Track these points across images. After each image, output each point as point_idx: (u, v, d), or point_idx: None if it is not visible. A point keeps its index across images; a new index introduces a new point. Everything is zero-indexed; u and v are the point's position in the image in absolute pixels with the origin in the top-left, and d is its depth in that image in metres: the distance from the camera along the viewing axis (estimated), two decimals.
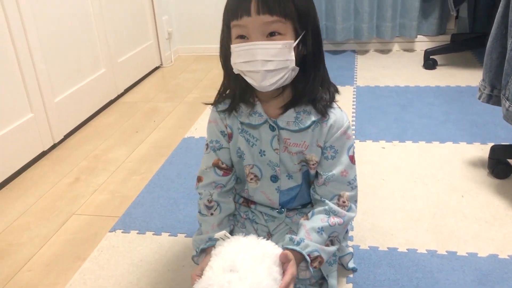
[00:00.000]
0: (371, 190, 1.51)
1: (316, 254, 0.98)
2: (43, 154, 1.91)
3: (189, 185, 1.61)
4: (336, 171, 1.03)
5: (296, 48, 0.95)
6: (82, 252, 1.32)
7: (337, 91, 1.06)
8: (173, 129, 2.11)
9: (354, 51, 3.05)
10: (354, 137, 1.05)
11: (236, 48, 0.95)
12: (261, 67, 0.93)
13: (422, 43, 2.97)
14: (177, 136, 2.03)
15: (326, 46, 3.10)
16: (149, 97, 2.54)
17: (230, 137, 1.09)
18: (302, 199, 1.12)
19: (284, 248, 0.96)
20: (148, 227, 1.40)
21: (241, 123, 1.06)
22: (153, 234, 1.37)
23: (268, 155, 1.06)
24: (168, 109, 2.34)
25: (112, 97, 2.45)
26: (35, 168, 1.83)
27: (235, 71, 0.98)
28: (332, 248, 1.02)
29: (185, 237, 1.34)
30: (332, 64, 2.82)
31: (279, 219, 1.13)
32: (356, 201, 1.07)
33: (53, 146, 1.97)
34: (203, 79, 2.72)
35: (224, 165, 1.09)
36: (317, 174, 1.06)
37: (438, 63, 2.67)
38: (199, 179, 1.12)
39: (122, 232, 1.39)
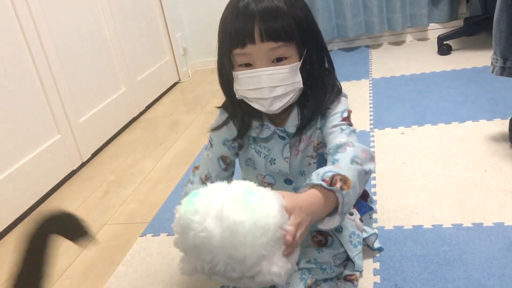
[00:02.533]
0: (393, 174, 1.52)
1: (330, 174, 0.80)
2: (73, 173, 1.98)
3: None
4: (334, 113, 1.00)
5: (301, 67, 0.94)
6: (116, 258, 1.37)
7: (340, 92, 1.03)
8: (195, 138, 2.17)
9: (367, 46, 3.06)
10: (347, 102, 1.04)
11: (241, 75, 0.93)
12: (269, 94, 0.91)
13: (435, 31, 2.95)
14: (199, 144, 2.08)
15: (338, 44, 3.12)
16: (169, 111, 2.61)
17: (241, 147, 1.09)
18: None
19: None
20: None
21: (252, 137, 1.06)
22: None
23: (278, 163, 1.06)
24: (189, 120, 2.40)
25: (135, 114, 2.53)
26: (66, 186, 1.91)
27: (238, 96, 0.97)
28: (357, 167, 0.85)
29: None
30: (346, 61, 2.84)
31: None
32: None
33: (82, 165, 2.05)
34: (220, 89, 2.77)
35: (229, 160, 1.09)
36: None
37: (453, 48, 2.65)
38: (196, 168, 1.10)
39: (152, 236, 1.43)
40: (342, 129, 0.97)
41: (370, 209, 1.18)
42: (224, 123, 1.08)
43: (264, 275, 0.71)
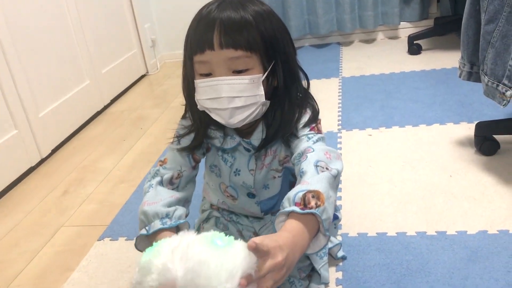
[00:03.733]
0: (359, 177, 1.50)
1: (300, 194, 0.76)
2: (31, 170, 1.90)
3: None
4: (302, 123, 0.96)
5: (266, 81, 0.90)
6: (71, 263, 1.31)
7: (316, 115, 0.98)
8: (160, 134, 2.11)
9: (338, 43, 3.05)
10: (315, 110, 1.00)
11: (200, 84, 0.89)
12: (228, 105, 0.88)
13: (406, 30, 2.96)
14: (164, 141, 2.01)
15: (310, 40, 3.10)
16: (135, 105, 2.53)
17: (208, 150, 1.04)
18: None
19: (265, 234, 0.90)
20: (136, 233, 1.38)
21: (217, 147, 1.02)
22: None
23: (242, 175, 1.02)
24: (155, 115, 2.34)
25: (99, 108, 2.45)
26: (23, 184, 1.82)
27: (200, 107, 0.93)
28: (324, 174, 0.81)
29: None
30: (317, 58, 2.81)
31: (264, 220, 1.11)
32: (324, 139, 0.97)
33: (41, 161, 1.96)
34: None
35: (197, 159, 1.04)
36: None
37: (423, 47, 2.66)
38: (163, 161, 1.01)
39: (110, 240, 1.38)
40: (308, 138, 0.93)
41: (335, 219, 1.15)
42: (189, 132, 1.02)
43: None
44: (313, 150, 0.87)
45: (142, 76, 3.00)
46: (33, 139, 1.92)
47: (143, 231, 0.90)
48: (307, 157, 0.86)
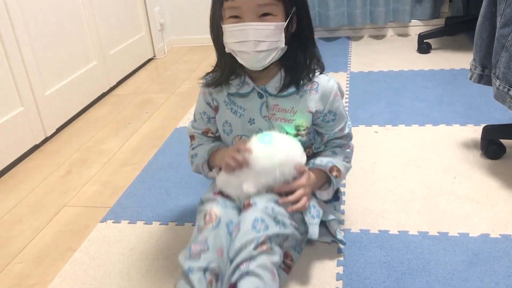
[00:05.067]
0: (363, 174, 1.50)
1: (330, 165, 1.10)
2: (35, 148, 1.90)
3: (181, 174, 1.60)
4: (337, 129, 1.13)
5: (286, 28, 0.99)
6: (73, 243, 1.31)
7: (323, 68, 1.10)
8: (165, 119, 2.10)
9: (348, 38, 3.03)
10: (342, 94, 1.14)
11: (229, 28, 0.97)
12: (254, 48, 0.96)
13: (416, 28, 2.94)
14: (169, 126, 2.02)
15: (319, 33, 3.08)
16: (141, 89, 2.52)
17: (216, 110, 1.13)
18: None
19: None
20: (139, 217, 1.39)
21: (230, 94, 1.09)
22: (144, 224, 1.36)
23: (257, 123, 1.09)
24: (161, 100, 2.33)
25: (105, 90, 2.44)
26: (27, 162, 1.82)
27: (227, 50, 1.01)
28: (348, 164, 1.16)
29: (176, 225, 1.34)
30: (326, 51, 2.80)
31: None
32: (351, 138, 1.19)
33: (45, 140, 1.96)
34: (196, 70, 2.70)
35: (212, 135, 1.18)
36: (319, 134, 1.15)
37: (432, 47, 2.64)
38: (192, 137, 1.21)
39: (113, 223, 1.38)
40: (347, 135, 1.17)
41: (335, 200, 1.20)
42: (214, 70, 1.12)
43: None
44: (350, 149, 1.18)
45: (149, 60, 2.99)
46: (38, 117, 1.92)
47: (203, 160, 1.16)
48: (345, 150, 1.16)
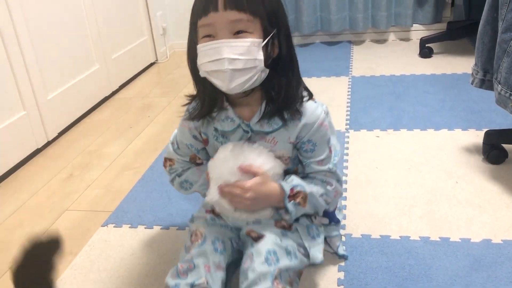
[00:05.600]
0: (365, 178, 1.50)
1: (299, 188, 1.00)
2: (37, 152, 1.90)
3: None
4: (315, 159, 1.03)
5: (265, 48, 0.92)
6: (74, 248, 1.31)
7: (311, 95, 1.03)
8: (167, 123, 2.11)
9: (350, 42, 3.03)
10: (330, 125, 1.05)
11: (202, 48, 0.91)
12: (228, 66, 0.89)
13: (418, 32, 2.95)
14: (171, 130, 2.00)
15: (321, 37, 3.08)
16: (144, 92, 2.53)
17: (206, 142, 1.08)
18: None
19: None
20: (140, 221, 1.39)
21: (215, 129, 1.04)
22: (145, 228, 1.36)
23: None
24: (163, 104, 2.33)
25: (107, 94, 2.45)
26: (29, 165, 1.83)
27: (202, 74, 0.94)
28: (323, 203, 1.04)
29: (177, 230, 1.34)
30: (328, 55, 2.80)
31: None
32: (338, 180, 1.08)
33: (48, 143, 1.97)
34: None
35: (200, 161, 1.13)
36: (301, 162, 1.07)
37: (434, 51, 2.64)
38: (171, 160, 1.14)
39: (114, 227, 1.38)
40: (329, 169, 1.05)
41: (337, 222, 1.16)
42: (192, 100, 1.06)
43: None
44: (332, 187, 1.06)
45: (151, 64, 3.00)
46: (40, 121, 1.93)
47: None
48: (326, 187, 1.05)
